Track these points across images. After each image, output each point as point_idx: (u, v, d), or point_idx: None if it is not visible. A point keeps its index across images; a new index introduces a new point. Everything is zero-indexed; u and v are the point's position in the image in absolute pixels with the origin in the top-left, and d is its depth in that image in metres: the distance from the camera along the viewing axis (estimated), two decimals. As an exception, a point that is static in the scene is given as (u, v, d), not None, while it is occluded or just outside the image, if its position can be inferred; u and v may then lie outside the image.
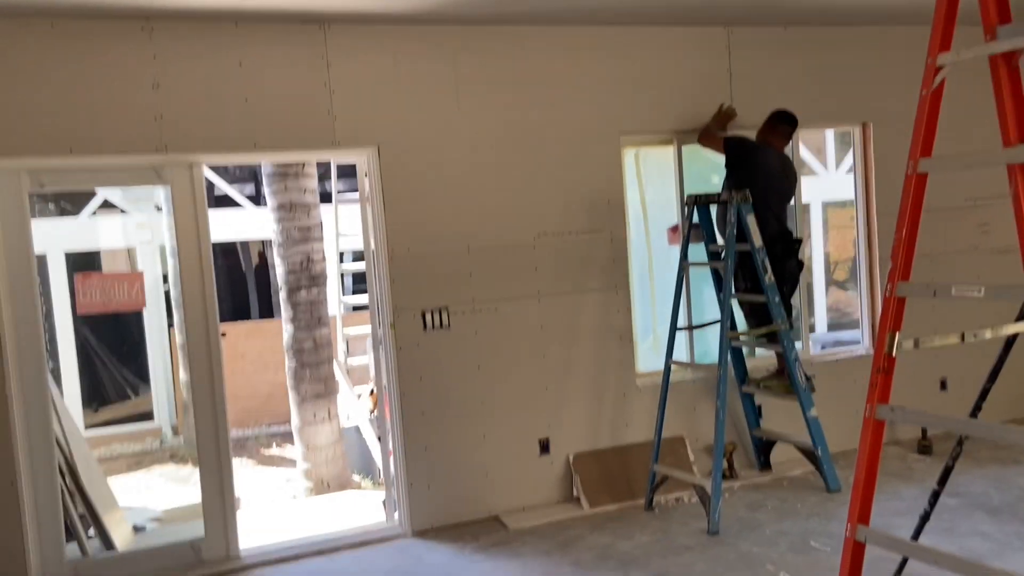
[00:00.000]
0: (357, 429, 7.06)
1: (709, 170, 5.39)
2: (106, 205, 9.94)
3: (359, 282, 11.48)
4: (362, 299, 8.31)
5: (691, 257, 4.82)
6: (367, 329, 7.74)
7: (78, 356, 9.32)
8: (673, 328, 4.76)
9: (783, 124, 4.93)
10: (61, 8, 3.75)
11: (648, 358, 5.24)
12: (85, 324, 10.07)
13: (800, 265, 4.93)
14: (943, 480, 3.00)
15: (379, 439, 6.21)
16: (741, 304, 4.99)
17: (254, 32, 4.22)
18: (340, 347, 7.61)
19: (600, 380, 4.98)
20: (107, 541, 4.47)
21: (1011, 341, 2.64)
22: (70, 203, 10.03)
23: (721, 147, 4.83)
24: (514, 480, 4.79)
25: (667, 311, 4.88)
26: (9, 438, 3.86)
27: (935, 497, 3.03)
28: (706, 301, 5.36)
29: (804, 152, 10.76)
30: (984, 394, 2.75)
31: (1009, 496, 4.46)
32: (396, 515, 4.68)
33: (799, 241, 4.93)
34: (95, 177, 4.40)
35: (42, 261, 8.38)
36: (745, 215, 4.55)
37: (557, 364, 4.88)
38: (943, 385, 5.71)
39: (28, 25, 3.84)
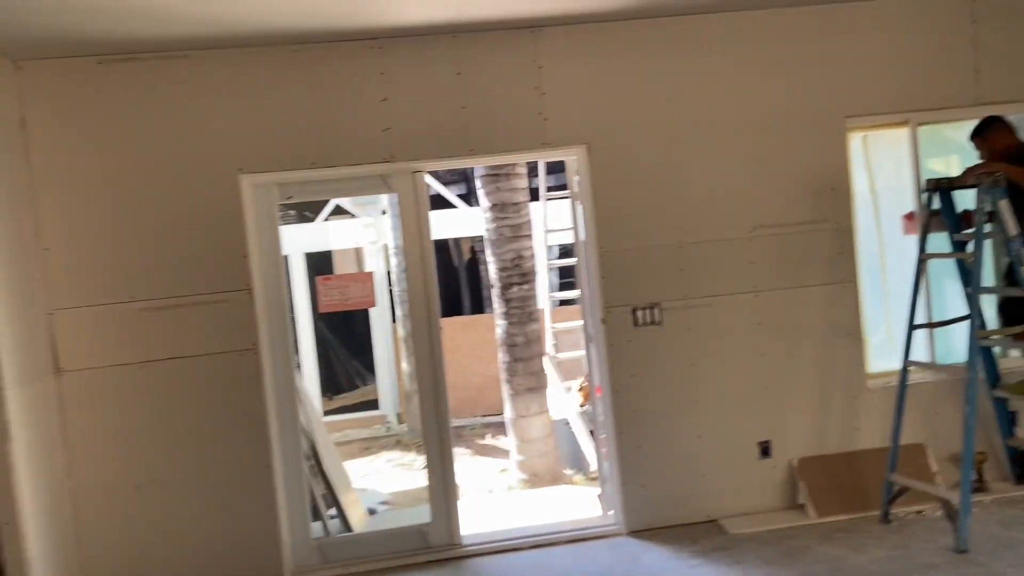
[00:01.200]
0: (567, 423, 7.17)
1: (948, 151, 4.89)
2: (337, 211, 10.84)
3: (565, 277, 11.64)
4: (569, 294, 8.45)
5: (931, 248, 4.39)
6: (575, 324, 7.87)
7: (316, 348, 10.24)
8: (911, 325, 4.36)
9: None
10: (302, 35, 4.11)
11: (880, 357, 4.84)
12: (320, 319, 11.06)
13: None
14: None
15: (591, 434, 6.27)
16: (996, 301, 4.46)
17: (469, 42, 4.39)
18: (549, 341, 7.75)
19: (826, 380, 4.68)
20: (345, 521, 4.86)
21: None
22: (309, 210, 11.05)
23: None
24: (732, 483, 4.62)
25: (902, 307, 4.48)
26: (265, 425, 4.30)
27: None
28: (948, 296, 4.87)
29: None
30: None
31: None
32: (611, 513, 4.69)
33: None
34: (333, 187, 4.78)
35: (285, 262, 9.31)
36: (998, 200, 4.06)
37: (777, 363, 4.65)
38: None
39: (273, 53, 4.25)
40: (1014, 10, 4.64)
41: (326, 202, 10.49)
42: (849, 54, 4.60)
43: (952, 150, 5.05)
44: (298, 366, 7.26)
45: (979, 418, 4.47)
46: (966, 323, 4.20)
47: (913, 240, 4.56)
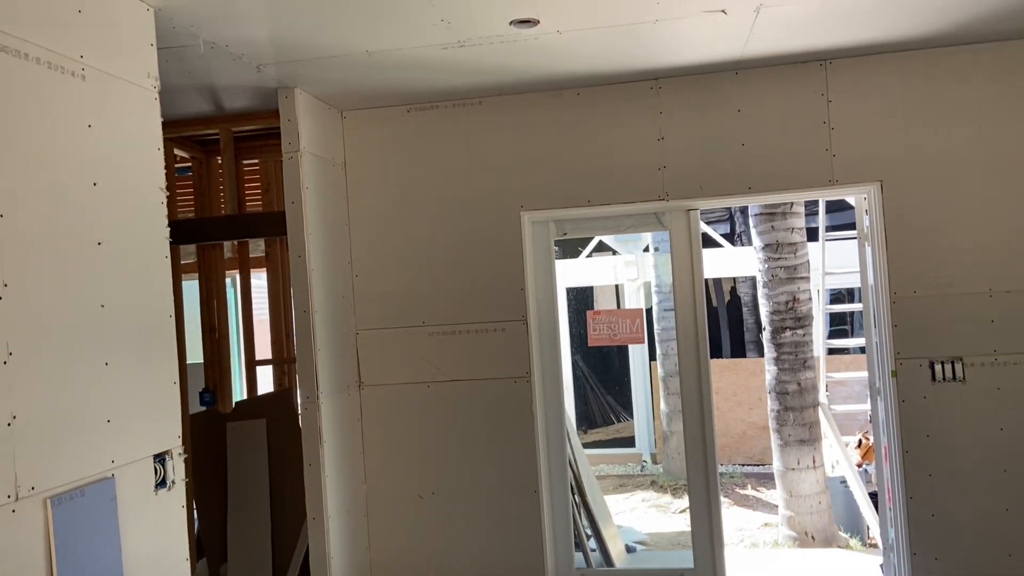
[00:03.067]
0: (843, 481, 6.63)
1: None
2: (600, 247, 11.07)
3: (835, 324, 10.86)
4: (843, 343, 7.86)
5: None
6: (854, 375, 7.30)
7: (574, 382, 10.46)
8: None
9: None
10: (583, 79, 4.28)
11: None
12: (578, 352, 11.29)
13: None
14: None
15: (873, 496, 5.75)
16: None
17: (753, 78, 4.30)
18: (822, 391, 7.25)
19: None
20: (606, 555, 4.88)
21: None
22: (572, 246, 11.40)
23: None
24: (1050, 570, 3.99)
25: None
26: (534, 450, 4.47)
27: None
28: None
29: None
30: None
31: None
32: (895, 584, 4.25)
33: None
34: (606, 224, 4.90)
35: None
36: None
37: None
38: None
39: (555, 96, 4.47)
40: None
41: (590, 239, 10.75)
42: None
43: None
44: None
45: None
46: None
47: None
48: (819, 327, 7.06)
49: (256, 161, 4.89)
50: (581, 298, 12.12)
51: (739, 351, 13.64)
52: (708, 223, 12.38)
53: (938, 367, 4.12)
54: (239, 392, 5.02)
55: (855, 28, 3.74)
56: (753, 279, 10.25)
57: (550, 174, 4.49)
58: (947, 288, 4.12)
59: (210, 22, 3.11)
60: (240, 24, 3.16)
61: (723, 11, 3.36)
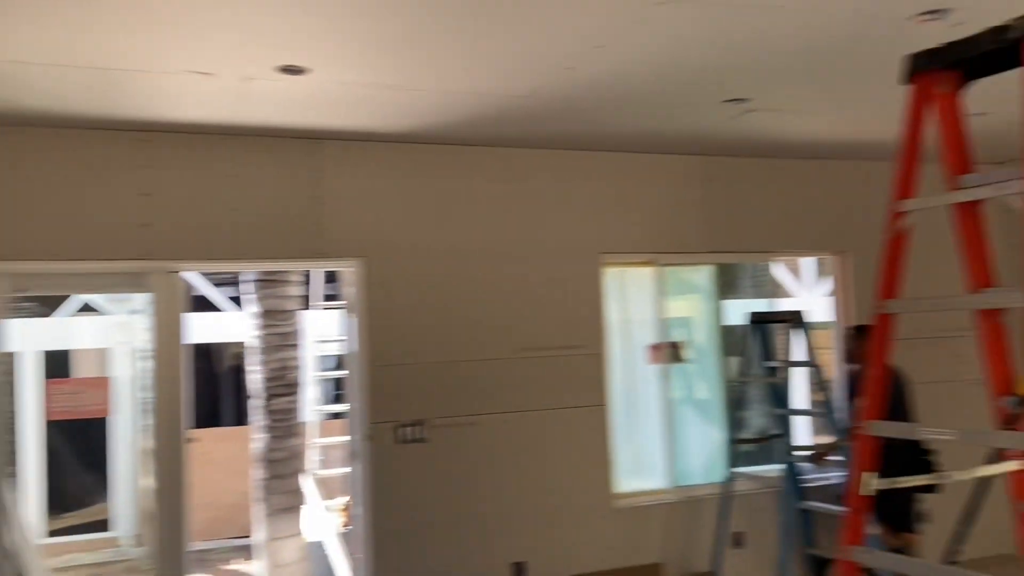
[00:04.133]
0: (322, 545, 6.80)
1: (688, 291, 5.51)
2: (85, 307, 9.88)
3: (340, 389, 11.33)
4: (339, 408, 8.20)
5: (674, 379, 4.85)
6: (340, 439, 7.62)
7: (47, 459, 9.01)
8: (733, 440, 5.07)
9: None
10: (60, 119, 3.84)
11: (626, 477, 5.14)
12: (54, 426, 9.81)
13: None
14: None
15: (351, 556, 6.00)
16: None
17: (247, 145, 4.33)
18: (314, 457, 7.43)
19: (578, 500, 4.87)
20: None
21: (986, 481, 2.63)
22: (47, 304, 9.96)
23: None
24: (488, 605, 4.60)
25: (648, 430, 4.88)
26: (-41, 549, 3.68)
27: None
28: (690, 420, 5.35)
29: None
30: (960, 537, 2.71)
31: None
32: (362, 641, 4.46)
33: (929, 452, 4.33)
34: (78, 282, 4.39)
35: (15, 359, 8.24)
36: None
37: (534, 482, 4.78)
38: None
39: (26, 133, 3.92)
40: (734, 174, 5.39)
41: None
42: (608, 196, 5.07)
43: (689, 290, 5.66)
44: (11, 476, 6.33)
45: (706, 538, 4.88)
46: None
47: (655, 368, 5.00)
48: (311, 394, 7.27)
49: None
50: (60, 363, 10.61)
51: (242, 419, 13.29)
52: (217, 285, 11.99)
53: (403, 430, 4.54)
54: None
55: (344, 114, 4.03)
56: (253, 345, 10.13)
57: (7, 220, 3.88)
58: (416, 357, 4.59)
59: None
60: None
61: (210, 73, 3.33)
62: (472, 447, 4.67)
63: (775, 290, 6.94)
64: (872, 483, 1.98)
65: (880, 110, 4.21)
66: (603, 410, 4.98)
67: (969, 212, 2.07)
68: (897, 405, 4.31)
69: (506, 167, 4.86)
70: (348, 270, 4.67)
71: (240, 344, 13.35)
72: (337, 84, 3.56)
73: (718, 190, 5.34)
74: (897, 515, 4.31)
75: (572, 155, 4.98)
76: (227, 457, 9.79)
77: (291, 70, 3.32)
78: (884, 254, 2.08)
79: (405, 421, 4.55)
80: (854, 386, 4.42)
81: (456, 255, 4.72)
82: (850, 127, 4.74)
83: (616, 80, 3.62)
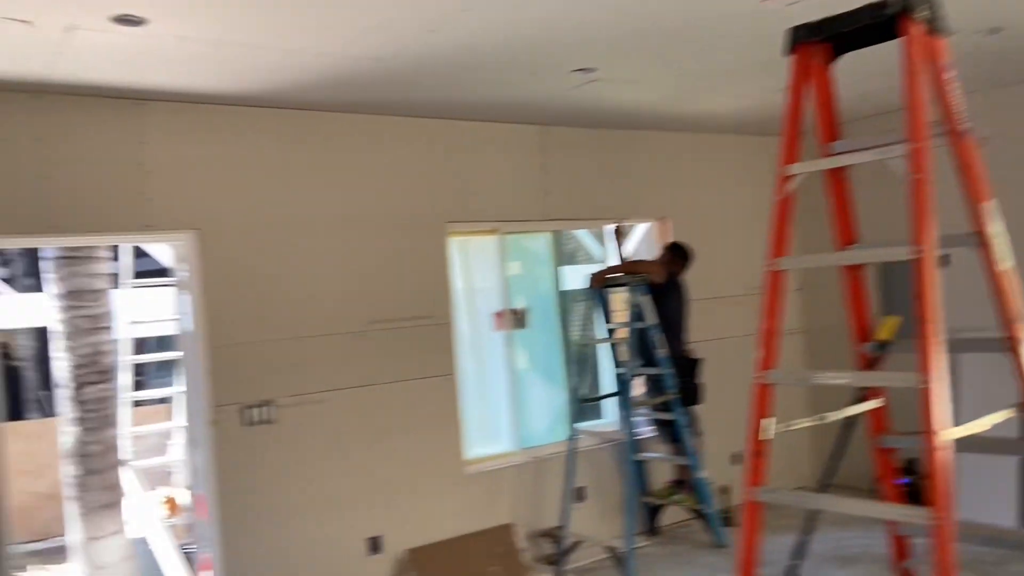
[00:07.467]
0: (146, 540, 6.31)
1: (522, 257, 5.65)
2: None
3: (139, 375, 10.47)
4: (146, 394, 7.57)
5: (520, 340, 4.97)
6: (155, 427, 7.06)
7: None
8: (577, 399, 5.25)
9: (683, 257, 5.47)
10: None
11: (475, 444, 5.22)
12: None
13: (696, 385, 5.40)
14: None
15: (183, 548, 5.63)
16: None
17: (59, 106, 3.84)
18: (129, 447, 6.84)
19: (430, 470, 4.87)
20: None
21: (852, 420, 2.95)
22: None
23: (661, 273, 5.25)
24: (346, 583, 4.51)
25: (495, 396, 4.97)
26: None
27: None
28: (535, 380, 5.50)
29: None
30: (830, 472, 3.05)
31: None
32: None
33: (697, 361, 5.41)
34: None
35: None
36: (640, 296, 5.12)
37: (385, 455, 4.72)
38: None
39: None
40: (571, 143, 5.56)
41: None
42: (453, 165, 5.04)
43: (530, 257, 5.79)
44: None
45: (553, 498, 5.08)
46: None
47: (501, 335, 5.09)
48: (126, 380, 6.67)
49: None
50: None
51: (18, 414, 11.96)
52: (-18, 266, 10.61)
53: (251, 411, 4.30)
54: None
55: (176, 73, 3.68)
56: (40, 330, 9.14)
57: None
58: (260, 335, 4.34)
59: None
60: None
61: (28, 21, 2.91)
62: (323, 425, 4.52)
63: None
64: (771, 428, 2.16)
65: (715, 84, 4.51)
66: (452, 379, 5.00)
67: (838, 176, 2.28)
68: (681, 311, 5.40)
69: (350, 134, 4.68)
70: (179, 244, 4.31)
71: (6, 332, 11.94)
72: (173, 38, 3.24)
73: (556, 159, 5.48)
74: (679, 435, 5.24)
75: (417, 122, 4.89)
76: (11, 455, 8.77)
77: (127, 20, 2.98)
78: (773, 215, 2.25)
79: (251, 402, 4.31)
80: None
81: (299, 226, 4.50)
82: (684, 100, 5.04)
83: (478, 44, 3.58)
